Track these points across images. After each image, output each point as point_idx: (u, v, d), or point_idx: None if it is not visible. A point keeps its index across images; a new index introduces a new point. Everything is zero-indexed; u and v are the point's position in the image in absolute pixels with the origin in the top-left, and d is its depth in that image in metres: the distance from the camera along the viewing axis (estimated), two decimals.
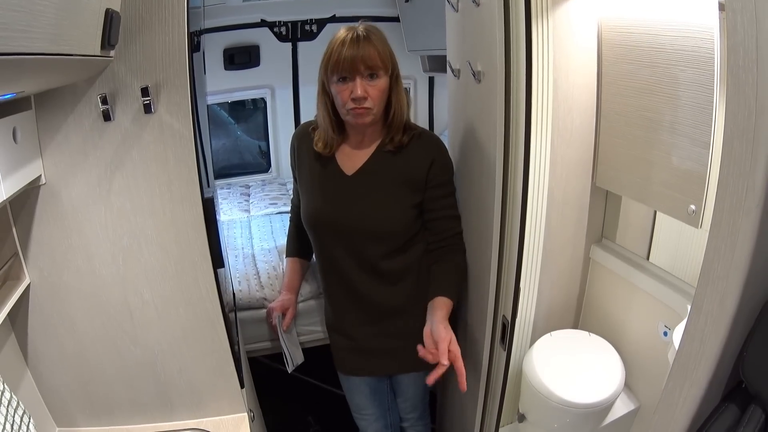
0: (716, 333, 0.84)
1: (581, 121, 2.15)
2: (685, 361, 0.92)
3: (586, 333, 2.33)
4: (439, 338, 1.61)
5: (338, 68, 1.60)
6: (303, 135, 1.88)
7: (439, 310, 1.72)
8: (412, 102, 4.46)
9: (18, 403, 1.23)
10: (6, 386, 1.18)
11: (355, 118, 1.66)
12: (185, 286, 1.51)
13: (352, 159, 1.80)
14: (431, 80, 4.46)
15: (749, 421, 0.90)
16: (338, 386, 2.19)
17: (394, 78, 1.70)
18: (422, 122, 4.50)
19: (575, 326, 2.51)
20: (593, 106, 2.15)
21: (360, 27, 1.64)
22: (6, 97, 0.97)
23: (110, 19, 1.12)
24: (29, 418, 1.27)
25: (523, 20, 1.35)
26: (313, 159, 1.83)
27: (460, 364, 1.59)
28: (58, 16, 0.85)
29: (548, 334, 2.32)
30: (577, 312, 2.51)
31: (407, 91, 4.16)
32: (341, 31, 1.64)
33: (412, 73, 4.29)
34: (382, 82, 1.64)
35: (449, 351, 1.59)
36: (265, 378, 2.71)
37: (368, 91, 1.62)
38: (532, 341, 2.33)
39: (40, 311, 1.49)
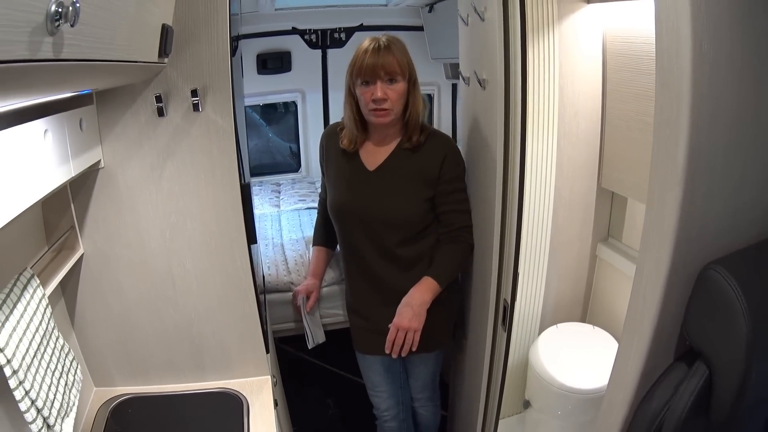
0: (654, 292, 1.01)
1: (586, 126, 2.29)
2: (632, 320, 1.09)
3: (591, 326, 2.44)
4: (394, 322, 1.96)
5: (362, 73, 1.81)
6: (331, 134, 2.09)
7: (418, 285, 1.97)
8: (435, 106, 4.59)
9: (69, 349, 1.43)
10: (60, 333, 1.38)
11: (376, 117, 1.86)
12: (223, 258, 1.71)
13: (374, 156, 1.99)
14: (454, 87, 4.56)
15: (694, 375, 1.06)
16: (356, 373, 2.36)
17: (412, 83, 1.89)
18: (446, 126, 4.60)
19: (582, 320, 2.61)
20: (598, 111, 2.29)
21: (383, 38, 1.85)
22: (85, 92, 1.19)
23: (166, 32, 1.34)
24: (77, 364, 1.47)
25: (519, 35, 1.52)
26: (339, 156, 2.03)
27: (391, 336, 1.96)
28: (130, 32, 1.07)
29: (554, 326, 2.44)
30: (585, 306, 2.62)
31: (431, 97, 4.32)
32: (366, 41, 1.86)
33: (435, 79, 4.42)
34: (400, 86, 1.84)
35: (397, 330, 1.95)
36: (290, 365, 2.91)
37: (388, 93, 1.82)
38: (540, 332, 2.46)
39: (91, 278, 1.69)
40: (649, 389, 1.12)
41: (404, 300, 1.95)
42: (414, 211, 1.96)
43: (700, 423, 1.08)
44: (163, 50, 1.35)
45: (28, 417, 1.15)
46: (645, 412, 1.10)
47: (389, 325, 1.98)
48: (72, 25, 0.67)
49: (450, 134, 4.52)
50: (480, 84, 1.85)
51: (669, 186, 0.94)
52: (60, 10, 0.65)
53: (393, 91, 1.83)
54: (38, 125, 1.12)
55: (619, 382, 1.16)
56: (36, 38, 0.64)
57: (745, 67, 0.98)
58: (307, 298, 2.33)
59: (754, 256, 1.07)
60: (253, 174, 4.47)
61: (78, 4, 0.68)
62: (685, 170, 0.91)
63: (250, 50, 4.13)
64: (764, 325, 0.98)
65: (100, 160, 1.56)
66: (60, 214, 1.58)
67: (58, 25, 0.66)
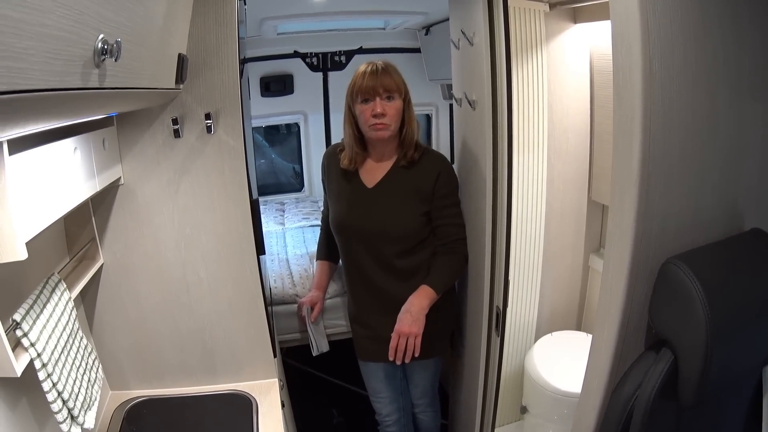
0: (619, 282, 1.13)
1: (576, 141, 2.41)
2: (602, 311, 1.21)
3: (584, 334, 2.53)
4: (395, 328, 2.04)
5: (362, 92, 1.95)
6: (332, 155, 2.22)
7: (416, 293, 2.06)
8: (433, 126, 4.71)
9: (92, 349, 1.55)
10: (83, 334, 1.48)
11: (376, 132, 1.98)
12: (234, 268, 1.84)
13: (372, 174, 2.12)
14: (452, 107, 4.61)
15: (660, 360, 1.18)
16: (359, 384, 2.45)
17: (407, 102, 2.03)
18: (444, 144, 4.72)
19: (577, 328, 2.70)
20: (587, 126, 2.40)
21: (379, 62, 2.00)
22: (112, 115, 1.33)
23: (182, 61, 1.49)
24: (99, 363, 1.59)
25: (505, 59, 1.66)
26: (340, 174, 2.15)
27: (393, 343, 2.03)
28: (154, 61, 1.21)
29: (549, 335, 2.53)
30: (579, 315, 2.72)
31: (429, 117, 4.44)
32: (363, 65, 2.00)
33: (433, 100, 4.54)
34: (398, 103, 1.98)
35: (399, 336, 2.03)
36: (297, 377, 3.02)
37: (386, 109, 1.95)
38: (535, 341, 2.55)
39: (109, 287, 1.81)
40: (623, 376, 1.23)
41: (404, 307, 2.05)
42: (410, 225, 2.07)
43: (671, 407, 1.19)
44: (180, 77, 1.49)
45: (55, 407, 1.25)
46: (618, 397, 1.21)
47: (391, 333, 2.06)
48: (116, 60, 0.81)
49: (448, 153, 4.64)
50: (470, 105, 1.98)
51: (626, 188, 1.07)
52: (105, 47, 0.78)
53: (391, 107, 1.96)
54: (69, 143, 1.26)
55: (593, 370, 1.27)
56: (86, 70, 0.78)
57: (699, 81, 1.12)
58: (312, 308, 2.44)
59: (714, 252, 1.19)
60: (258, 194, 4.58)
61: (120, 40, 0.81)
62: (640, 174, 1.04)
63: (253, 73, 4.25)
64: (724, 313, 1.09)
65: (120, 176, 1.70)
66: (81, 226, 1.70)
67: (104, 59, 0.79)
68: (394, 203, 2.07)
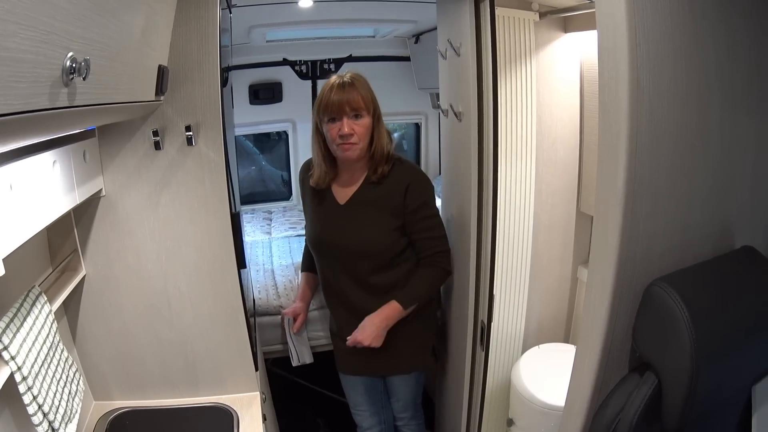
0: (601, 305, 1.11)
1: (565, 152, 2.39)
2: (584, 333, 1.19)
3: (572, 346, 2.52)
4: (355, 337, 2.04)
5: (328, 110, 1.90)
6: (306, 170, 2.18)
7: (385, 307, 2.03)
8: (423, 135, 4.71)
9: (73, 362, 1.53)
10: (64, 347, 1.47)
11: (343, 152, 1.94)
12: (215, 281, 1.82)
13: (344, 190, 2.08)
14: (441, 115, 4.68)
15: (644, 383, 1.16)
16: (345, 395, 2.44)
17: (376, 118, 1.98)
18: (433, 154, 4.72)
19: (565, 341, 2.68)
20: (576, 137, 2.38)
21: (347, 75, 1.94)
22: (91, 128, 1.30)
23: (162, 73, 1.47)
24: (80, 375, 1.58)
25: (491, 71, 1.64)
26: (313, 191, 2.12)
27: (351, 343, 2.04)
28: (131, 75, 1.19)
29: (536, 347, 2.51)
30: (567, 327, 2.70)
31: (418, 126, 4.41)
32: (332, 78, 1.95)
33: (422, 109, 4.54)
34: (366, 121, 1.93)
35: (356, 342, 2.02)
36: (284, 388, 3.00)
37: (354, 128, 1.90)
38: (522, 353, 2.52)
39: (92, 298, 1.79)
40: (605, 398, 1.21)
41: (369, 318, 2.03)
42: (382, 242, 2.03)
43: (654, 430, 1.17)
44: (160, 89, 1.47)
45: (35, 420, 1.24)
46: (600, 419, 1.19)
47: (371, 347, 2.04)
48: (84, 79, 0.78)
49: (436, 162, 4.64)
50: (456, 116, 1.96)
51: (611, 209, 1.05)
52: (74, 65, 0.76)
53: (359, 126, 1.91)
54: (48, 156, 1.23)
55: (575, 392, 1.26)
56: (54, 90, 0.75)
57: (690, 96, 1.09)
58: (294, 319, 2.42)
59: (701, 271, 1.17)
60: (246, 202, 4.56)
61: (88, 58, 0.79)
62: (625, 194, 1.02)
63: (242, 81, 4.24)
64: (711, 336, 1.08)
65: (101, 188, 1.68)
66: (64, 238, 1.68)
67: (72, 78, 0.77)
68: (365, 220, 2.03)
